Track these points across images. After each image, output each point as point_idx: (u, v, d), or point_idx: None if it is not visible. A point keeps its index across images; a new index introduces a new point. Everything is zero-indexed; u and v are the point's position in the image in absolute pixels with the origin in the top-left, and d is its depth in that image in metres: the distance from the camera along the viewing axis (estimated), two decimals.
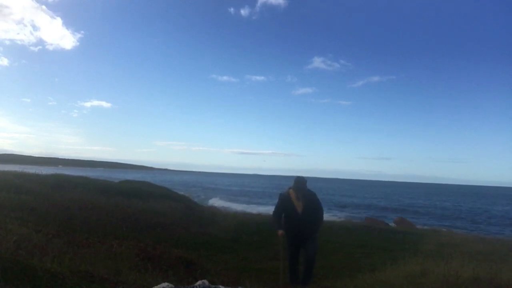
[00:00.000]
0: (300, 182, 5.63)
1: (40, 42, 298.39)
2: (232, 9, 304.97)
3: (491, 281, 4.91)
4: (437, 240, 11.37)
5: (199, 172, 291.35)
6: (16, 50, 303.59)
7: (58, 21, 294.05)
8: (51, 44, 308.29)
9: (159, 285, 3.03)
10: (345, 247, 10.03)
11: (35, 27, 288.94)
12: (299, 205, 5.50)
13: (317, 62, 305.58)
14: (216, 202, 32.27)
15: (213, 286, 3.10)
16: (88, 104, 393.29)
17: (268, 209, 29.16)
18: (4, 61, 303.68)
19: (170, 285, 3.03)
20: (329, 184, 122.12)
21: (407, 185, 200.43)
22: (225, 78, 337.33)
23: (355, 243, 10.68)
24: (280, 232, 5.48)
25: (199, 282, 3.07)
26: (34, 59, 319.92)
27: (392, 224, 20.97)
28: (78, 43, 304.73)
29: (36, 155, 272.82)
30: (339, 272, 6.92)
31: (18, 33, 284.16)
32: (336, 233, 12.32)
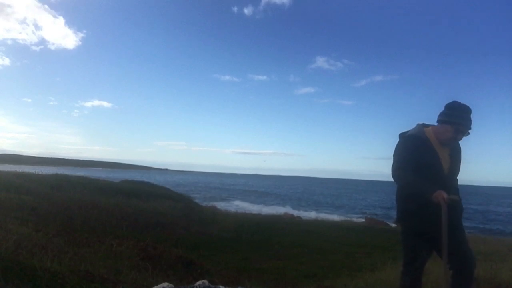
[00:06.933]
0: (467, 111, 2.79)
1: (42, 41, 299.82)
2: (235, 8, 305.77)
3: (491, 281, 4.91)
4: None
5: (199, 172, 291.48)
6: (18, 49, 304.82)
7: (61, 20, 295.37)
8: (53, 44, 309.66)
9: (159, 285, 3.03)
10: (345, 247, 10.06)
11: (37, 27, 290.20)
12: (446, 159, 2.83)
13: (320, 61, 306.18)
14: (217, 202, 32.24)
15: (213, 286, 3.10)
16: (89, 104, 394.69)
17: (269, 210, 28.98)
18: (6, 61, 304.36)
19: (170, 285, 3.03)
20: (330, 184, 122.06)
21: None
22: (227, 77, 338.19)
23: (355, 243, 10.70)
24: (442, 194, 2.60)
25: (199, 282, 3.07)
26: (36, 58, 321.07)
27: (392, 224, 20.99)
28: (80, 43, 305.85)
29: (36, 155, 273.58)
30: (339, 272, 6.94)
31: (20, 33, 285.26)
32: (336, 233, 12.36)
